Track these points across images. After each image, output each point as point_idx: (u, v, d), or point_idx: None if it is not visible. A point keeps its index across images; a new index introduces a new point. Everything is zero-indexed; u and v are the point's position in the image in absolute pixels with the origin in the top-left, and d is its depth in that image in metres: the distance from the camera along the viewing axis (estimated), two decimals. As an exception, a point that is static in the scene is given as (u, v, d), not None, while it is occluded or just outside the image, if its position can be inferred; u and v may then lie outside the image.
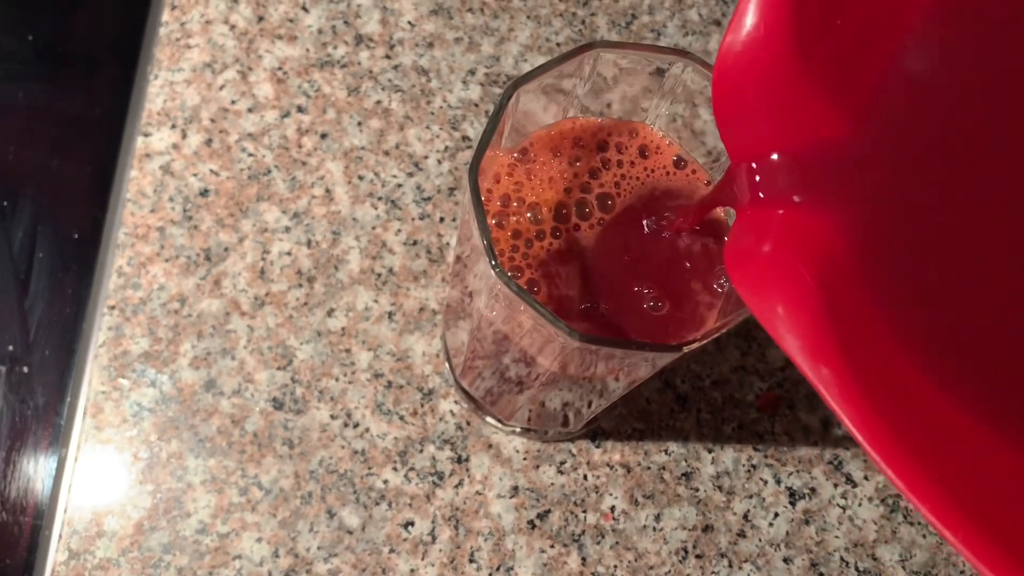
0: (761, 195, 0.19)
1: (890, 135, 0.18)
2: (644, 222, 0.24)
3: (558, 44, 0.42)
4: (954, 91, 0.18)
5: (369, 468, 0.36)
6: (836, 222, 0.18)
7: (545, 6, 0.42)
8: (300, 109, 0.40)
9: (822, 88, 0.19)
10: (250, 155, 0.39)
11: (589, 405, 0.34)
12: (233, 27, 0.41)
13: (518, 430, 0.36)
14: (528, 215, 0.24)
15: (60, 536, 0.34)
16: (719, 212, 0.25)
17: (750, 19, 0.19)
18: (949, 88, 0.18)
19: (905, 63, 0.19)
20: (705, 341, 0.21)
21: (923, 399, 0.18)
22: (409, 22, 0.42)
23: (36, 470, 0.35)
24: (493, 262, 0.20)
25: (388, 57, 0.41)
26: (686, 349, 0.20)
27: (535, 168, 0.24)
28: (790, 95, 0.19)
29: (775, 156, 0.19)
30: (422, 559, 0.35)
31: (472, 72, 0.41)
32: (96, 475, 0.35)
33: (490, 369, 0.33)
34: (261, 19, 0.41)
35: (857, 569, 0.36)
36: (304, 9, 0.41)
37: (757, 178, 0.19)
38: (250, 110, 0.40)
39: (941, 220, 0.18)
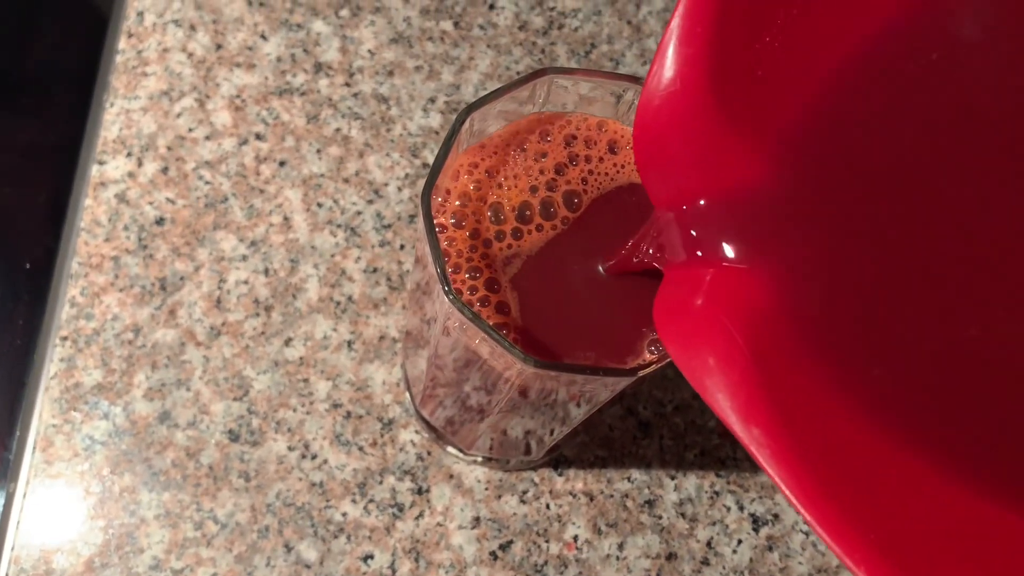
0: (692, 251, 0.19)
1: (817, 183, 0.18)
2: (610, 222, 0.24)
3: (518, 72, 0.42)
4: (882, 139, 0.18)
5: (327, 500, 0.35)
6: (765, 277, 0.18)
7: (505, 35, 0.42)
8: (258, 137, 0.40)
9: (746, 138, 0.19)
10: (207, 183, 0.39)
11: (551, 432, 0.34)
12: (191, 55, 0.41)
13: (479, 460, 0.36)
14: (489, 214, 0.23)
15: (6, 575, 0.33)
16: None
17: (667, 72, 0.18)
18: (877, 136, 0.18)
19: (830, 110, 0.19)
20: (662, 363, 0.20)
21: (859, 457, 0.17)
22: (369, 50, 0.42)
23: (-18, 507, 0.34)
24: (446, 288, 0.20)
25: (348, 85, 0.41)
26: (641, 373, 0.20)
27: (497, 164, 0.24)
28: (713, 145, 0.19)
29: (703, 209, 0.19)
30: (382, 593, 0.34)
31: (432, 100, 0.41)
32: (45, 511, 0.34)
33: (450, 397, 0.32)
34: (219, 47, 0.41)
35: (821, 595, 0.35)
36: (263, 37, 0.41)
37: (693, 232, 0.19)
38: (207, 138, 0.39)
39: (873, 272, 0.18)
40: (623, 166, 0.24)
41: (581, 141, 0.24)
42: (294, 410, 0.36)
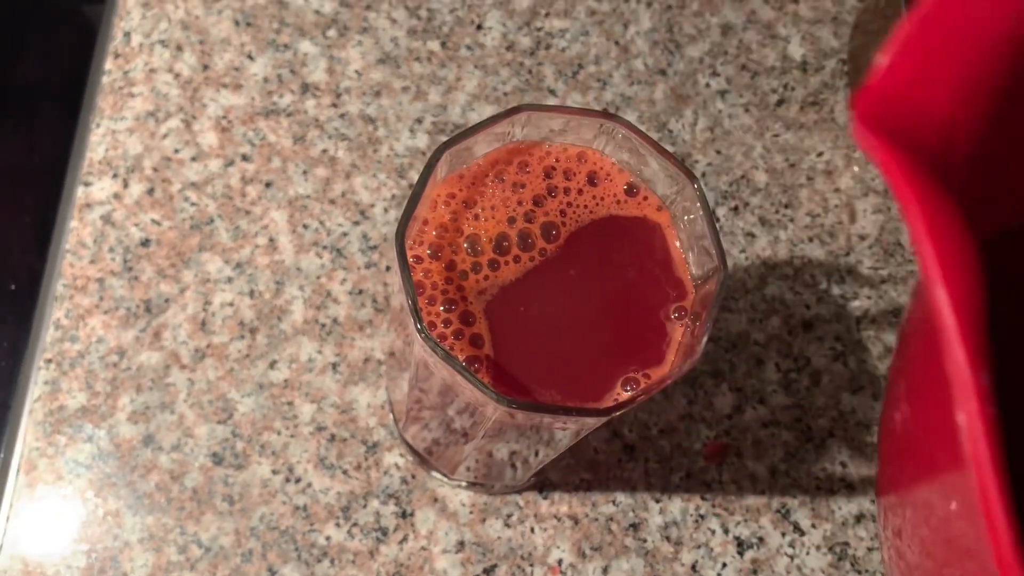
0: None
1: None
2: (591, 255, 0.23)
3: (505, 94, 0.42)
4: None
5: (311, 524, 0.35)
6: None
7: (492, 56, 0.42)
8: (245, 158, 0.40)
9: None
10: (193, 204, 0.39)
11: (536, 455, 0.34)
12: (177, 76, 0.41)
13: (464, 484, 0.36)
14: (465, 246, 0.23)
15: (-11, 600, 0.33)
16: (663, 230, 0.23)
17: None
18: None
19: None
20: (635, 404, 0.20)
21: None
22: (356, 71, 0.42)
23: (-35, 531, 0.34)
24: (419, 326, 0.20)
25: (335, 106, 0.41)
26: (616, 414, 0.20)
27: (474, 195, 0.24)
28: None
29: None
30: (365, 617, 0.34)
31: (419, 121, 0.41)
32: (28, 535, 0.34)
33: (434, 420, 0.32)
34: (206, 67, 0.41)
35: (805, 619, 0.35)
36: (250, 57, 0.41)
37: None
38: (194, 159, 0.39)
39: None
40: (602, 198, 0.24)
41: (560, 172, 0.24)
42: (278, 433, 0.36)
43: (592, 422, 0.21)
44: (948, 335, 0.15)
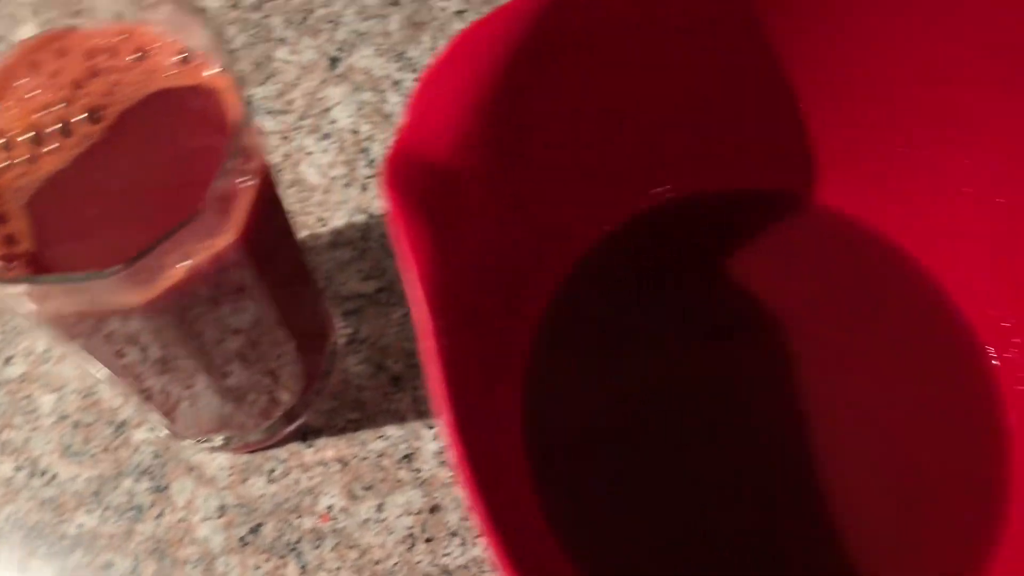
0: None
1: None
2: (144, 131, 0.22)
3: (232, 50, 0.40)
4: None
5: (60, 516, 0.33)
6: None
7: (218, 17, 0.41)
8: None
9: None
10: (-84, 217, 0.37)
11: (268, 392, 0.32)
12: None
13: (219, 443, 0.34)
14: None
15: None
16: (217, 90, 0.23)
17: None
18: None
19: None
20: (139, 260, 0.19)
21: None
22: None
23: None
24: None
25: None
26: (109, 273, 0.18)
27: (2, 91, 0.22)
28: None
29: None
30: (125, 601, 0.32)
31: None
32: None
33: (138, 384, 0.30)
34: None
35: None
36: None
37: None
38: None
39: None
40: (153, 72, 0.23)
41: (104, 52, 0.23)
42: (18, 429, 0.34)
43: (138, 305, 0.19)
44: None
